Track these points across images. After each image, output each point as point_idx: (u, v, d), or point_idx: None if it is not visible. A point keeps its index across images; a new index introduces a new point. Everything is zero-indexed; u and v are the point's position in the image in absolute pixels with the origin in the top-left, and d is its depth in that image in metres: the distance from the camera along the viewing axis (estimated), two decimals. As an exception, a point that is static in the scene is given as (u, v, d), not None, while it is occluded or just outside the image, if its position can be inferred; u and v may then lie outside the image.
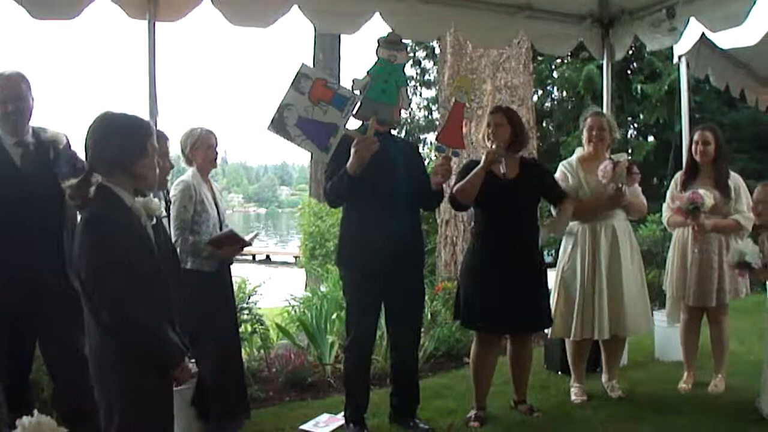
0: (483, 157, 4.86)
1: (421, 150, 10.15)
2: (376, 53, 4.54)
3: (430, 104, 19.17)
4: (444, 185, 4.87)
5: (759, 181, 5.06)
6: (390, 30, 5.20)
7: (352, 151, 4.45)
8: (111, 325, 2.86)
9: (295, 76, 4.37)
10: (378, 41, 4.54)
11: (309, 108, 4.33)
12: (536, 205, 5.16)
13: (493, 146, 4.87)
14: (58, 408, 4.15)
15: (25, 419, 2.71)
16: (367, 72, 4.51)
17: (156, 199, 3.19)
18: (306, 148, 4.43)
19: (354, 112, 4.44)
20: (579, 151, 5.60)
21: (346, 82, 4.49)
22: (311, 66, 4.51)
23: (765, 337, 5.20)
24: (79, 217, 3.02)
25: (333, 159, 4.58)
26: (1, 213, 3.89)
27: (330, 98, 4.36)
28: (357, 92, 4.44)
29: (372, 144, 4.46)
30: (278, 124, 4.33)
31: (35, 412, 2.72)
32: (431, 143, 17.86)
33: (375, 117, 4.47)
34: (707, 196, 5.26)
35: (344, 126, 4.42)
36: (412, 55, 19.42)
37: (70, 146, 4.24)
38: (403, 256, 4.74)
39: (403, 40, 4.68)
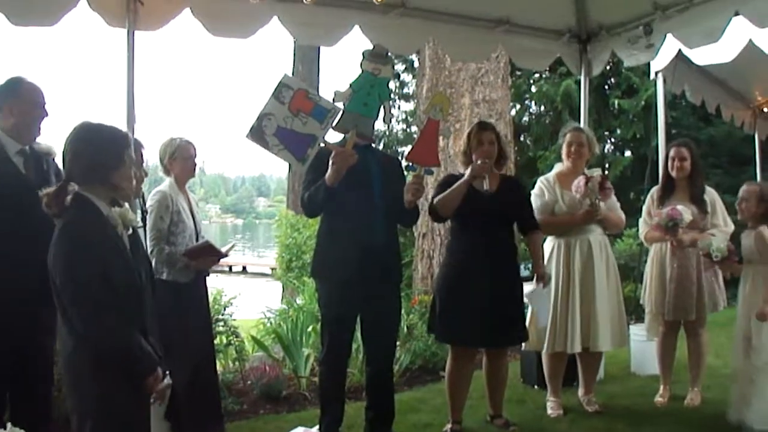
0: (468, 171, 4.86)
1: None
2: (361, 66, 4.52)
3: (409, 117, 19.16)
4: (418, 201, 4.85)
5: (734, 196, 5.12)
6: (370, 43, 5.23)
7: (330, 163, 4.44)
8: (84, 333, 2.85)
9: (277, 86, 4.37)
10: (363, 54, 4.52)
11: (288, 118, 4.32)
12: (513, 221, 5.16)
13: (479, 161, 4.86)
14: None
15: (-1, 430, 2.66)
16: (350, 84, 4.49)
17: (131, 210, 3.18)
18: (283, 158, 4.42)
19: (334, 124, 4.43)
20: (558, 167, 5.63)
21: (325, 94, 4.48)
22: (293, 77, 4.49)
23: (732, 348, 5.24)
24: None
25: (311, 170, 4.58)
26: (13, 218, 3.84)
27: (310, 110, 4.35)
28: (338, 105, 4.43)
29: (350, 156, 4.44)
30: (257, 133, 4.32)
31: (8, 425, 2.67)
32: (407, 153, 17.82)
33: (355, 130, 4.46)
34: (685, 212, 5.29)
35: (323, 138, 4.41)
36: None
37: (55, 161, 4.21)
38: (379, 268, 4.72)
39: (389, 54, 4.67)
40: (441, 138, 4.81)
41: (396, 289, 5.07)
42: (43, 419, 4.07)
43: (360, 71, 4.51)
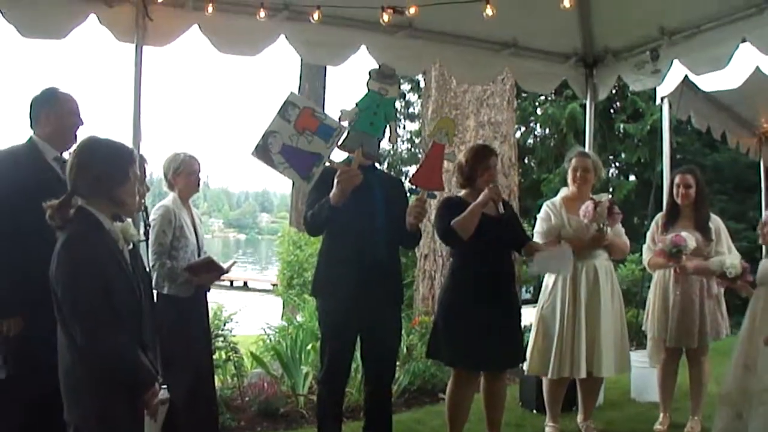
0: (482, 194, 4.84)
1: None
2: (367, 85, 4.51)
3: (414, 137, 19.23)
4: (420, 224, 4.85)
5: (739, 223, 5.11)
6: (376, 63, 5.24)
7: (335, 182, 4.43)
8: (84, 346, 2.84)
9: (283, 104, 4.37)
10: (369, 73, 4.52)
11: (294, 136, 4.32)
12: (515, 246, 5.15)
13: (491, 185, 4.85)
14: None
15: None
16: (356, 104, 4.49)
17: (133, 225, 3.18)
18: (288, 176, 4.41)
19: (339, 143, 4.43)
20: (563, 191, 5.62)
21: (330, 112, 4.48)
22: (299, 95, 4.50)
23: (728, 371, 5.19)
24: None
25: (315, 189, 4.57)
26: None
27: (316, 128, 4.35)
28: (344, 123, 4.43)
29: (355, 176, 4.44)
30: (262, 151, 4.32)
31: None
32: (410, 176, 17.84)
33: (360, 149, 4.46)
34: (690, 239, 5.27)
35: (328, 156, 4.41)
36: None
37: None
38: (381, 289, 4.70)
39: (396, 74, 4.67)
40: (446, 162, 4.77)
41: (397, 309, 5.04)
42: None
43: (366, 90, 4.51)
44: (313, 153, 4.35)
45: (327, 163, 4.41)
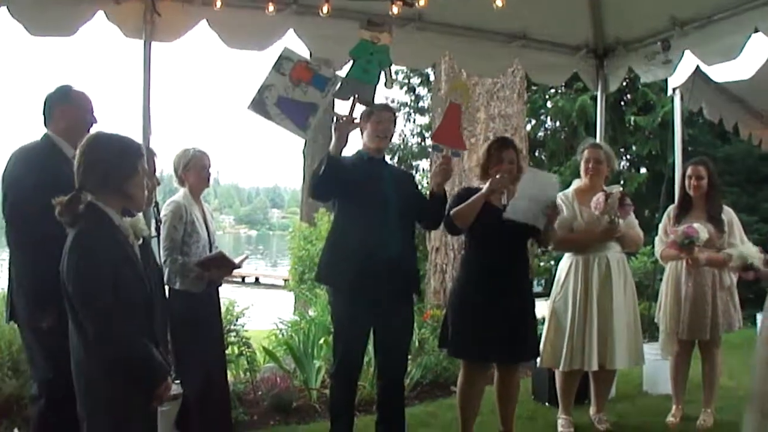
0: (486, 185, 4.83)
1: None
2: (359, 35, 4.58)
3: (424, 131, 19.19)
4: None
5: (751, 215, 5.09)
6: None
7: (333, 130, 4.50)
8: (96, 341, 2.84)
9: (278, 59, 4.44)
10: (360, 24, 4.59)
11: (289, 88, 4.39)
12: (528, 236, 5.11)
13: (497, 176, 4.82)
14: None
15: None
16: (349, 53, 4.55)
17: (143, 220, 3.18)
18: (285, 127, 4.47)
19: (335, 92, 4.47)
20: (576, 183, 5.60)
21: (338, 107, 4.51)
22: (293, 50, 4.52)
23: (753, 368, 5.16)
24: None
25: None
26: None
27: (310, 78, 4.43)
28: (338, 73, 4.45)
29: (351, 123, 4.51)
30: (258, 104, 4.39)
31: (15, 430, 2.68)
32: (423, 170, 17.83)
33: (355, 96, 4.49)
34: (702, 230, 5.25)
35: (325, 106, 4.47)
36: (406, 81, 19.45)
37: None
38: (393, 282, 4.70)
39: (387, 23, 4.70)
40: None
41: (410, 303, 5.05)
42: None
43: (359, 41, 4.56)
44: (309, 103, 4.43)
45: (323, 113, 4.46)
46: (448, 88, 4.80)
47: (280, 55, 4.43)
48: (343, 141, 4.48)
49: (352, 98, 4.50)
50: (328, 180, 4.60)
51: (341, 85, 4.47)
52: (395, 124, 4.96)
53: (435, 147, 4.72)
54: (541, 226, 4.78)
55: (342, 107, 4.63)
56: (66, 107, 4.14)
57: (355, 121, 4.51)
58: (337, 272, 4.79)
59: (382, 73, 4.58)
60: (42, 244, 3.84)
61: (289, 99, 4.38)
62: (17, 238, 3.99)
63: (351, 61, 4.58)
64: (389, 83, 4.72)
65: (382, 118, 4.81)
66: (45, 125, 4.17)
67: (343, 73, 4.58)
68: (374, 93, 4.68)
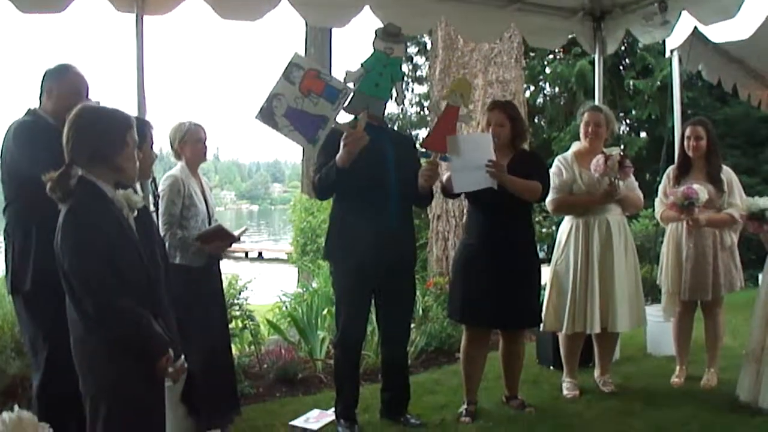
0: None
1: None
2: (373, 45, 4.50)
3: (422, 100, 19.10)
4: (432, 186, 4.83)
5: (751, 177, 5.08)
6: (381, 23, 5.20)
7: (342, 144, 4.42)
8: (93, 316, 2.85)
9: (287, 66, 4.35)
10: (375, 32, 4.50)
11: (299, 99, 4.31)
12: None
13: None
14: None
15: (6, 415, 2.67)
16: (361, 64, 4.47)
17: (138, 192, 3.16)
18: (293, 140, 4.41)
19: (345, 105, 4.40)
20: (575, 146, 5.57)
21: (337, 75, 4.45)
22: (303, 56, 4.46)
23: (750, 326, 5.19)
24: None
25: (322, 152, 4.57)
26: None
27: (321, 90, 4.33)
28: (350, 85, 4.40)
29: (361, 138, 4.42)
30: (266, 114, 4.31)
31: (15, 407, 2.68)
32: (422, 140, 17.76)
33: (366, 111, 4.43)
34: (701, 191, 5.24)
35: (335, 119, 4.38)
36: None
37: None
38: (394, 250, 4.70)
39: (402, 34, 4.63)
40: (461, 125, 4.73)
41: (411, 270, 5.05)
42: None
43: (372, 51, 4.49)
44: (319, 115, 4.35)
45: (333, 125, 4.39)
46: (449, 89, 4.68)
47: (290, 62, 4.36)
48: (352, 156, 4.44)
49: (363, 113, 4.46)
50: (336, 186, 4.64)
51: (352, 98, 4.42)
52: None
53: (423, 154, 4.62)
54: (495, 186, 4.72)
55: (345, 117, 4.60)
56: (56, 86, 4.12)
57: (366, 138, 4.45)
58: (344, 248, 4.80)
59: (393, 88, 4.55)
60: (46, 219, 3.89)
61: (298, 110, 4.32)
62: (21, 212, 4.00)
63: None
64: (400, 99, 4.70)
65: None
66: (39, 99, 4.16)
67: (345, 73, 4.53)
68: (385, 108, 4.67)
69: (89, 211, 2.90)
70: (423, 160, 4.74)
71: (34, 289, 3.99)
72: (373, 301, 4.95)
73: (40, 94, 4.16)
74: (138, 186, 3.43)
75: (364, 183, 4.55)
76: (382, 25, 4.65)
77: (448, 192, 5.05)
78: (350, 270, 4.76)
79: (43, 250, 3.82)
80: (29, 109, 4.15)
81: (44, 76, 4.16)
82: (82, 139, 2.98)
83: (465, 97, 4.71)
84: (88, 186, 2.96)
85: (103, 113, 3.08)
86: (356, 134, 4.41)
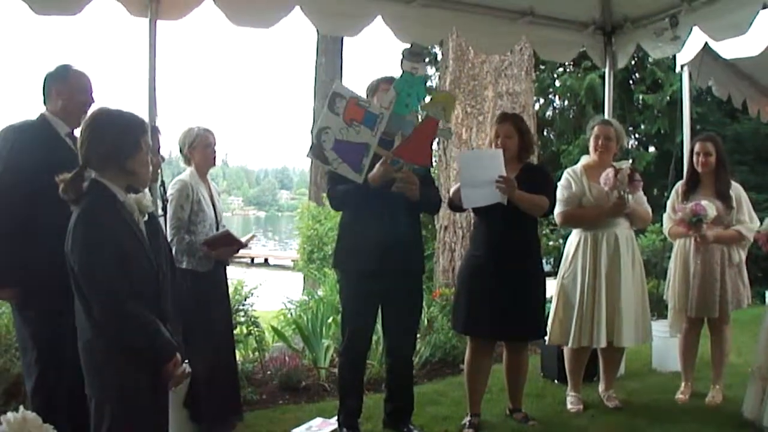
0: None
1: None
2: (401, 66, 4.56)
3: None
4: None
5: (760, 194, 5.07)
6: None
7: (379, 167, 4.49)
8: (102, 319, 2.85)
9: (330, 96, 4.44)
10: (402, 53, 4.56)
11: (344, 129, 4.40)
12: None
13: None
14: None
15: (10, 415, 2.68)
16: (393, 86, 4.54)
17: (149, 195, 3.18)
18: (342, 172, 4.49)
19: (383, 129, 4.45)
20: (585, 159, 5.56)
21: (349, 85, 4.47)
22: (342, 84, 4.51)
23: (757, 344, 5.18)
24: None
25: None
26: None
27: (362, 118, 4.42)
28: (385, 108, 4.44)
29: (398, 171, 4.53)
30: (317, 150, 4.43)
31: (21, 408, 2.69)
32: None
33: (401, 132, 4.49)
34: (710, 208, 5.24)
35: (375, 144, 4.44)
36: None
37: None
38: (402, 259, 4.71)
39: (424, 54, 4.66)
40: (439, 141, 4.74)
41: (418, 280, 5.05)
42: None
43: (401, 72, 4.55)
44: (361, 143, 4.44)
45: (374, 152, 4.43)
46: (431, 100, 4.65)
47: (332, 92, 4.45)
48: (385, 181, 4.51)
49: (398, 134, 4.52)
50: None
51: (389, 121, 4.47)
52: None
53: (393, 162, 4.55)
54: (504, 201, 4.75)
55: None
56: (63, 86, 4.14)
57: (404, 170, 4.53)
58: (352, 257, 4.81)
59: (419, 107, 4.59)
60: (26, 228, 3.90)
61: (344, 142, 4.40)
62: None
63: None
64: (446, 119, 4.71)
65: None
66: (44, 104, 4.18)
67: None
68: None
69: (101, 214, 2.92)
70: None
71: (23, 294, 4.01)
72: (379, 311, 4.95)
73: (44, 99, 4.18)
74: (147, 190, 3.43)
75: (373, 192, 4.55)
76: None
77: (455, 206, 5.06)
78: (358, 278, 4.77)
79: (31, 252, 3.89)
80: (41, 114, 4.17)
81: (45, 79, 4.18)
82: (96, 141, 3.00)
83: (447, 112, 4.70)
84: (100, 188, 2.98)
85: (119, 117, 3.09)
86: (391, 170, 4.51)
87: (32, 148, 3.98)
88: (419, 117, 4.61)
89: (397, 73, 4.60)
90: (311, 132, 4.39)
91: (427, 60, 4.93)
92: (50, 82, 4.16)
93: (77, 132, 4.11)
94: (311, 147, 4.41)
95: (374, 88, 4.85)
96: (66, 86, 4.14)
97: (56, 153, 3.98)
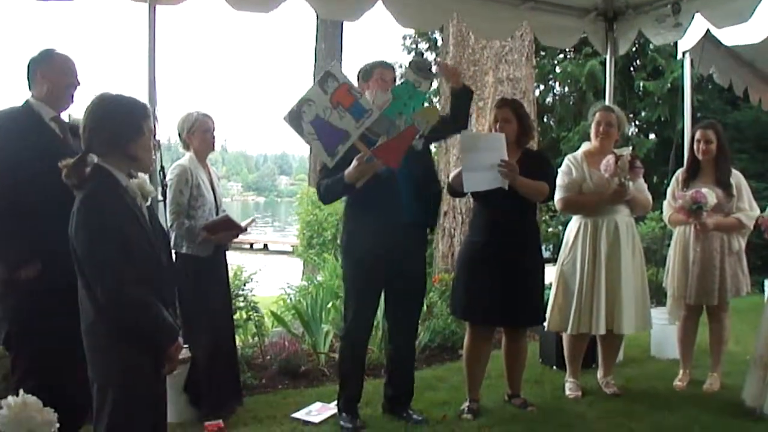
0: None
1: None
2: (404, 74, 4.56)
3: (431, 96, 19.10)
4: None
5: (760, 183, 5.07)
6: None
7: (355, 163, 4.44)
8: (105, 302, 2.86)
9: (323, 74, 4.41)
10: (408, 63, 4.61)
11: (327, 109, 4.35)
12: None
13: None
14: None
15: (11, 399, 2.68)
16: (391, 90, 4.54)
17: (149, 181, 3.18)
18: (314, 148, 4.54)
19: (369, 125, 4.43)
20: (585, 146, 5.55)
21: (346, 71, 4.45)
22: (340, 68, 4.49)
23: (757, 332, 5.18)
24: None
25: None
26: (55, 180, 3.90)
27: (349, 105, 4.37)
28: (376, 107, 4.42)
29: (373, 168, 4.48)
30: (295, 117, 4.36)
31: (20, 392, 2.69)
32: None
33: (386, 136, 4.46)
34: (710, 195, 5.24)
35: (356, 137, 4.40)
36: (414, 46, 19.33)
37: None
38: (405, 245, 4.73)
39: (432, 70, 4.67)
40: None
41: (422, 266, 5.06)
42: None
43: (403, 80, 4.55)
44: (342, 130, 4.39)
45: (353, 142, 4.41)
46: (418, 113, 4.61)
47: (327, 71, 4.42)
48: (361, 179, 4.49)
49: (382, 137, 4.48)
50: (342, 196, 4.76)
51: (376, 120, 4.44)
52: (395, 81, 4.94)
53: (368, 159, 4.51)
54: (506, 186, 4.74)
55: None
56: (47, 70, 4.10)
57: (381, 166, 4.50)
58: (352, 240, 4.82)
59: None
60: (11, 210, 3.91)
61: (324, 121, 4.35)
62: None
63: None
64: (423, 132, 4.71)
65: (385, 77, 4.80)
66: (29, 89, 4.15)
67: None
68: None
69: (104, 199, 2.91)
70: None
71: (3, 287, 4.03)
72: (382, 296, 4.96)
73: (29, 84, 4.14)
74: (146, 175, 3.43)
75: (376, 178, 4.54)
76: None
77: (455, 190, 5.05)
78: (361, 264, 4.77)
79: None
80: (26, 101, 4.13)
81: (29, 64, 4.14)
82: (99, 126, 2.99)
83: (429, 124, 4.67)
84: (104, 174, 2.98)
85: (121, 102, 3.08)
86: (367, 169, 4.46)
87: (16, 135, 3.97)
88: (404, 124, 4.58)
89: (393, 57, 4.60)
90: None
91: (432, 79, 4.87)
92: (34, 67, 4.12)
93: (64, 115, 4.16)
94: (290, 112, 4.35)
95: (368, 73, 4.82)
96: (50, 70, 4.10)
97: (40, 138, 3.99)
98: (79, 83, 4.20)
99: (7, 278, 3.98)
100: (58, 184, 3.53)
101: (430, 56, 19.30)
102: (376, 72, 4.79)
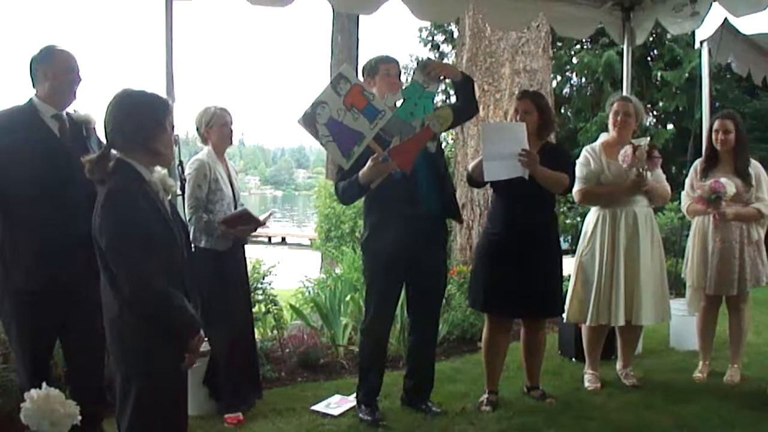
0: None
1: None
2: (413, 75, 4.60)
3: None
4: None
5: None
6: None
7: (369, 164, 4.45)
8: (129, 294, 2.88)
9: (336, 76, 4.44)
10: (417, 64, 4.57)
11: (341, 111, 4.37)
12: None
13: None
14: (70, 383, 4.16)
15: (34, 392, 2.72)
16: (401, 91, 4.59)
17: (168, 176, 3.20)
18: (329, 150, 4.50)
19: (383, 126, 4.44)
20: (603, 136, 5.52)
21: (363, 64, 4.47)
22: (352, 70, 4.51)
23: None
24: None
25: None
26: (49, 180, 3.92)
27: (363, 106, 4.39)
28: (388, 108, 4.45)
29: (388, 169, 4.49)
30: (309, 119, 4.38)
31: (44, 384, 2.73)
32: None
33: (399, 137, 4.48)
34: (729, 185, 5.20)
35: (371, 138, 4.42)
36: (430, 39, 19.32)
37: (96, 129, 4.27)
38: (426, 238, 4.74)
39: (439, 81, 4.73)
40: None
41: (443, 258, 5.07)
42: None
43: (412, 81, 4.58)
44: (357, 131, 4.41)
45: (368, 143, 4.42)
46: (434, 114, 4.61)
47: (339, 73, 4.45)
48: (375, 180, 4.51)
49: (395, 138, 4.49)
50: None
51: (390, 120, 4.45)
52: (400, 75, 4.94)
53: (384, 159, 4.50)
54: (526, 175, 4.72)
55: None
56: (48, 67, 4.09)
57: (394, 167, 4.51)
58: (373, 234, 4.81)
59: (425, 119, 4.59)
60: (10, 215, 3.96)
61: (338, 122, 4.38)
62: None
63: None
64: (438, 133, 4.71)
65: (390, 71, 4.79)
66: (33, 87, 4.14)
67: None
68: None
69: (128, 193, 2.93)
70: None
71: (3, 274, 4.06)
72: (402, 289, 4.98)
73: (33, 82, 4.14)
74: (164, 170, 3.44)
75: (392, 177, 4.54)
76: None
77: (474, 181, 5.04)
78: (382, 257, 4.76)
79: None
80: (29, 99, 4.13)
81: (31, 62, 4.12)
82: (121, 122, 3.00)
83: (443, 126, 4.71)
84: (127, 168, 3.00)
85: (143, 97, 3.09)
86: (383, 169, 4.48)
87: (12, 132, 3.98)
88: (419, 125, 4.59)
89: (410, 50, 4.61)
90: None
91: (439, 79, 4.88)
92: (36, 65, 4.11)
93: (69, 110, 4.17)
94: (304, 115, 4.37)
95: (374, 69, 4.81)
96: (52, 67, 4.09)
97: (32, 136, 3.98)
98: (81, 79, 4.19)
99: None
100: (51, 181, 3.58)
101: (446, 48, 19.28)
102: (381, 67, 4.78)
